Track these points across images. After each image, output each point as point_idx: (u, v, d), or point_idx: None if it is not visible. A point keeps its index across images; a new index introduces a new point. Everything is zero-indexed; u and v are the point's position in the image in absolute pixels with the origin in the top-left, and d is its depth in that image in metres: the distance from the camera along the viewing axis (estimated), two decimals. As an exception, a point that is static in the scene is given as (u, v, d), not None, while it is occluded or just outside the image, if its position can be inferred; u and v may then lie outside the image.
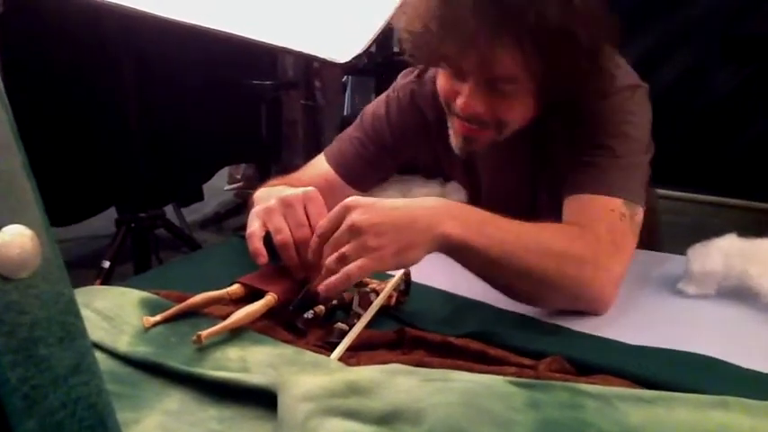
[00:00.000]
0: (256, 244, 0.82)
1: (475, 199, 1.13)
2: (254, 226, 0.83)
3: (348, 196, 1.02)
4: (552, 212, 0.93)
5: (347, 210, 0.74)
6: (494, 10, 0.82)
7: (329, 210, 0.80)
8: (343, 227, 0.73)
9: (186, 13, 1.39)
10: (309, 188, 0.86)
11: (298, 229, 0.81)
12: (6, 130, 0.25)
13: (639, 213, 0.91)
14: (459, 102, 0.92)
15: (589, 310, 0.83)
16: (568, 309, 0.83)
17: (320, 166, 1.15)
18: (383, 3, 1.69)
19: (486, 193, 1.13)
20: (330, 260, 0.73)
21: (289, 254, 0.81)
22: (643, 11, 3.00)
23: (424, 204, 0.77)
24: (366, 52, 1.87)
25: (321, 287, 0.72)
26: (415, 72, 1.13)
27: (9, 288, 0.25)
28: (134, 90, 1.86)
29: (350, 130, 1.17)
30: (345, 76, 3.80)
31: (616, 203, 0.89)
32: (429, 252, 0.75)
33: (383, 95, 1.17)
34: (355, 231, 0.72)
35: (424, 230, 0.74)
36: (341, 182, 1.13)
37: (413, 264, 0.76)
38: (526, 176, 1.07)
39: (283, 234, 0.81)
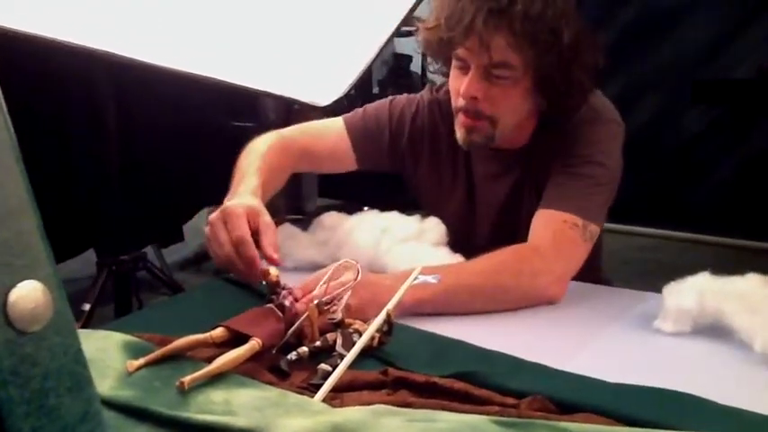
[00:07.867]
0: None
1: (470, 205, 1.27)
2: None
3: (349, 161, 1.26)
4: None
5: None
6: (489, 2, 1.02)
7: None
8: None
9: (169, 59, 1.41)
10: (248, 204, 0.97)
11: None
12: (24, 194, 0.26)
13: (594, 227, 1.07)
14: (462, 88, 1.08)
15: (542, 304, 1.00)
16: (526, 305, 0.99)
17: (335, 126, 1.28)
18: (364, 46, 1.73)
19: (480, 199, 1.27)
20: None
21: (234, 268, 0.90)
22: (615, 55, 3.10)
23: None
24: (346, 94, 1.90)
25: None
26: (435, 87, 1.31)
27: (23, 341, 0.26)
28: (114, 131, 1.86)
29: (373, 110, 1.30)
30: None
31: (570, 217, 1.06)
32: None
33: (403, 96, 1.31)
34: None
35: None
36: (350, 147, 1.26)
37: None
38: (515, 187, 1.22)
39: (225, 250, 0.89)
